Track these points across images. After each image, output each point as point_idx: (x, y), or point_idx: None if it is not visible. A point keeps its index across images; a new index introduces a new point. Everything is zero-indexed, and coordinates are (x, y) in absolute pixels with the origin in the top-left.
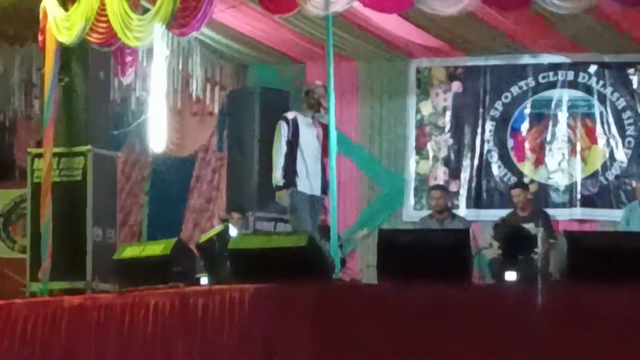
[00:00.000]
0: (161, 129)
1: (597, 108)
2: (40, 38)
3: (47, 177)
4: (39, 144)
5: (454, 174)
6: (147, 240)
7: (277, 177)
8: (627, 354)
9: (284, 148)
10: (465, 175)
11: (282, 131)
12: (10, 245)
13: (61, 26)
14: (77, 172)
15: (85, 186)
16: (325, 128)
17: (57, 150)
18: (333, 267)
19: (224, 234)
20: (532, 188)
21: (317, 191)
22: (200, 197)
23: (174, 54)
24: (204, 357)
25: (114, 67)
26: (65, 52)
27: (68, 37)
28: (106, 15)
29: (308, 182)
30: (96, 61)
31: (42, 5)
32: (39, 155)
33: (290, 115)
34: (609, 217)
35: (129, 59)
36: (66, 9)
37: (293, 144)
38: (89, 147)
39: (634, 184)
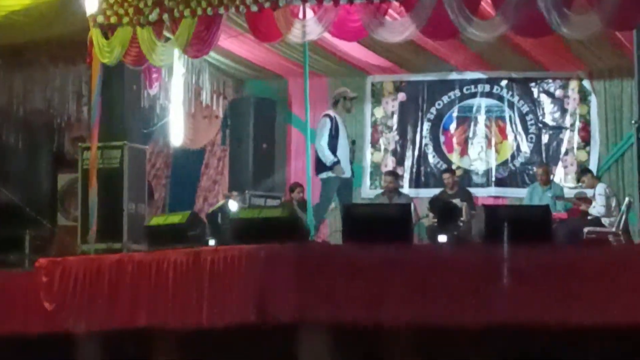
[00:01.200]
0: (179, 128)
1: (507, 112)
2: (88, 59)
3: (93, 164)
4: (86, 140)
5: (400, 162)
6: (169, 212)
7: (330, 157)
8: (527, 296)
9: (326, 138)
10: (408, 163)
11: (327, 125)
12: (65, 215)
13: (104, 51)
14: (115, 160)
15: (122, 171)
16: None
17: (100, 144)
18: (309, 232)
19: (225, 207)
20: (458, 172)
21: (349, 174)
22: (209, 179)
23: (189, 71)
24: (211, 301)
25: (143, 81)
26: (106, 70)
27: (109, 59)
28: (137, 43)
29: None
30: (130, 77)
31: (89, 35)
32: (87, 148)
33: (331, 113)
34: (516, 195)
35: (154, 75)
36: (107, 38)
37: (334, 136)
38: (124, 142)
39: (534, 169)
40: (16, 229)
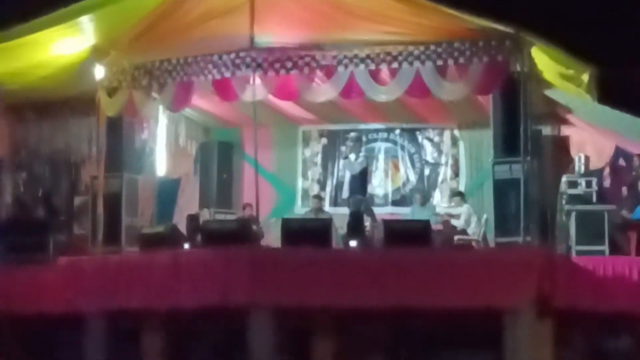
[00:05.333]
0: (162, 162)
1: (400, 153)
2: (96, 113)
3: (99, 189)
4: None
5: (323, 188)
6: (156, 224)
7: None
8: (414, 285)
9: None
10: (329, 189)
11: None
12: (80, 226)
13: (108, 106)
14: (116, 186)
15: (121, 194)
16: None
17: (105, 174)
18: (258, 239)
19: (197, 220)
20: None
21: None
22: (184, 200)
23: (170, 121)
24: (186, 289)
25: (137, 128)
26: (110, 121)
27: (112, 112)
28: (133, 101)
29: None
30: (127, 126)
31: (97, 95)
32: (95, 177)
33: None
34: (406, 212)
35: (145, 124)
36: (111, 97)
37: None
38: (123, 172)
39: (416, 195)
40: (43, 236)
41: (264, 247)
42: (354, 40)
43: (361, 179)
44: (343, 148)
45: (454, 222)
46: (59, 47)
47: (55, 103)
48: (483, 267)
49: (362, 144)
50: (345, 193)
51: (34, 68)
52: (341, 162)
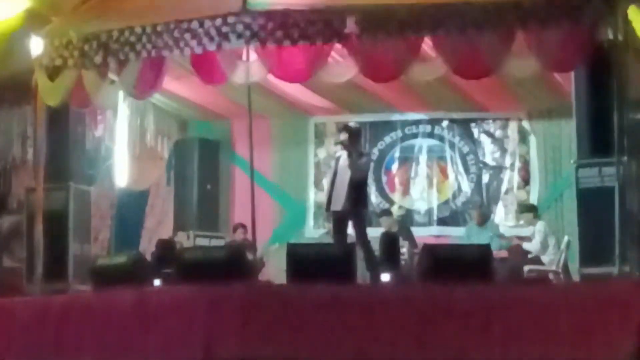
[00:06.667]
0: (123, 169)
1: (448, 152)
2: (32, 101)
3: (38, 206)
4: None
5: None
6: (114, 253)
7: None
8: (469, 336)
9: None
10: None
11: None
12: (10, 257)
13: (49, 93)
14: (60, 202)
15: (67, 212)
16: None
17: (45, 185)
18: (254, 272)
19: (171, 247)
20: (400, 212)
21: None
22: (154, 220)
23: (133, 113)
24: (156, 342)
25: (88, 123)
26: (51, 112)
27: (54, 101)
28: (82, 85)
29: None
30: (75, 119)
31: (34, 77)
32: (33, 190)
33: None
34: (458, 234)
35: (99, 117)
36: (52, 80)
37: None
38: (70, 183)
39: (472, 211)
40: None
41: (263, 283)
42: (384, 1)
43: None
44: (369, 146)
45: (524, 246)
46: None
47: None
48: (565, 310)
49: (397, 142)
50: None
51: None
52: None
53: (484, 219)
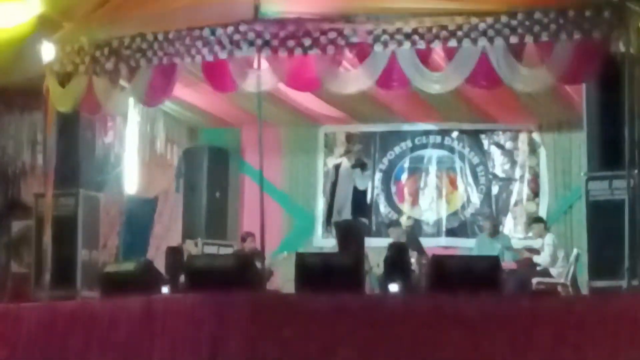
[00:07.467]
0: (133, 176)
1: (458, 163)
2: (43, 107)
3: (47, 212)
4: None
5: None
6: (122, 260)
7: None
8: (477, 347)
9: None
10: None
11: None
12: (19, 262)
13: (59, 99)
14: (69, 208)
15: (76, 218)
16: None
17: (55, 191)
18: (263, 281)
19: (179, 255)
20: (409, 222)
21: None
22: (162, 227)
23: (143, 120)
24: (163, 350)
25: (98, 129)
26: (61, 118)
27: (64, 107)
28: (93, 91)
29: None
30: (85, 125)
31: (45, 83)
32: (42, 195)
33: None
34: (467, 245)
35: (110, 123)
36: (63, 86)
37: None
38: (79, 189)
39: (481, 222)
40: None
41: (271, 292)
42: (396, 10)
43: (363, 195)
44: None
45: (534, 259)
46: None
47: None
48: (573, 323)
49: (407, 152)
50: (339, 213)
51: None
52: (377, 175)
53: (496, 230)
